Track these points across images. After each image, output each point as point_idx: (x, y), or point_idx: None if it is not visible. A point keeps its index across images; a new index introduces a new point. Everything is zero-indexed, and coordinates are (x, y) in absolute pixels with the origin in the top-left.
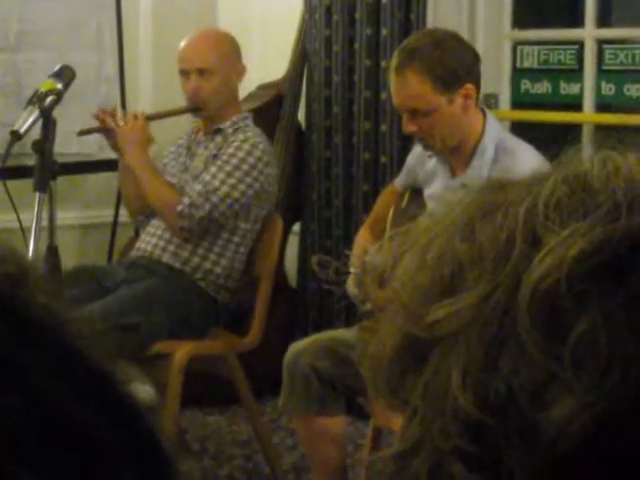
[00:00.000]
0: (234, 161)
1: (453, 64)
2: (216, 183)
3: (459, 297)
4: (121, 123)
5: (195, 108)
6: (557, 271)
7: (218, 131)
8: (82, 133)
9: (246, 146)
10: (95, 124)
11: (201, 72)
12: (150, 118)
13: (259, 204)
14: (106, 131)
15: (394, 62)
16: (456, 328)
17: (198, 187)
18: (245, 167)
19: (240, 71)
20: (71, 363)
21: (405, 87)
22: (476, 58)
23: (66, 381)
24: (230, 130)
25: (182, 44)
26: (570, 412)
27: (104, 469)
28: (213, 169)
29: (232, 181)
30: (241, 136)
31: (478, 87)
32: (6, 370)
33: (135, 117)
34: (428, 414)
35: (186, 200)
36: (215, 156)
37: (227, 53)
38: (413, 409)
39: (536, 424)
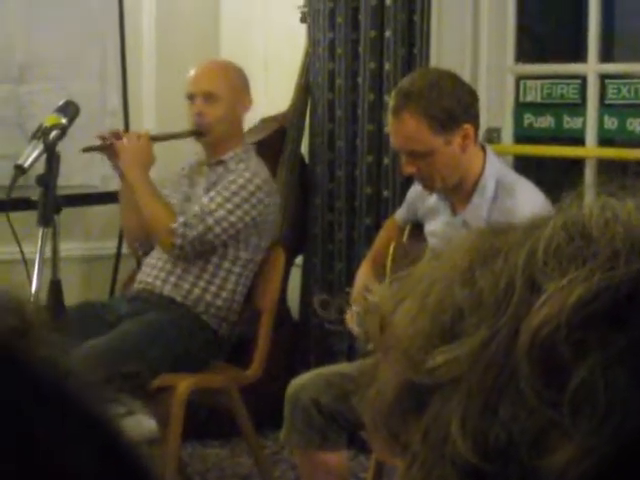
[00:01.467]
0: (233, 187)
1: (450, 105)
2: (212, 206)
3: (459, 343)
4: (124, 142)
5: (198, 132)
6: (556, 318)
7: (220, 162)
8: (86, 150)
9: (247, 174)
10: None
11: (207, 96)
12: (154, 139)
13: (259, 233)
14: (109, 150)
15: (391, 104)
16: (456, 374)
17: (195, 208)
18: (244, 194)
19: (246, 104)
20: (71, 414)
21: (402, 129)
22: (474, 97)
23: (65, 431)
24: (232, 162)
25: (192, 70)
26: (570, 459)
27: None
28: (212, 193)
29: (229, 206)
30: (242, 165)
31: (477, 126)
32: (6, 419)
33: (138, 137)
34: (428, 460)
35: (181, 219)
36: (215, 183)
37: (235, 83)
38: (413, 454)
39: (536, 471)
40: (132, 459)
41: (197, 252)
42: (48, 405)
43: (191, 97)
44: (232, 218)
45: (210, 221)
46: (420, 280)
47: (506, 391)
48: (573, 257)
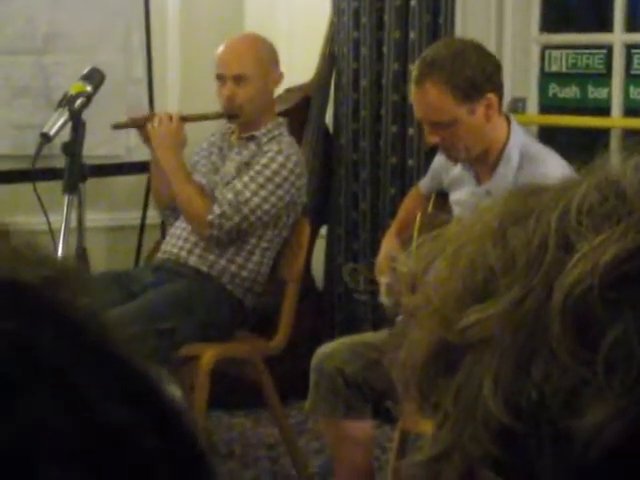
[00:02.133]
0: (267, 172)
1: (473, 74)
2: (247, 194)
3: (491, 303)
4: (155, 124)
5: (230, 115)
6: (590, 277)
7: (252, 138)
8: (116, 127)
9: (280, 158)
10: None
11: (237, 78)
12: (184, 120)
13: (288, 214)
14: (139, 126)
15: (414, 73)
16: (488, 334)
17: (229, 195)
18: (277, 179)
19: (276, 78)
20: (112, 364)
21: (425, 99)
22: (497, 67)
23: (107, 382)
24: (264, 139)
25: (220, 48)
26: (603, 418)
27: (142, 470)
28: (245, 178)
29: (263, 193)
30: (275, 147)
31: (500, 96)
32: (44, 372)
33: (170, 119)
34: (459, 420)
35: (217, 210)
36: (248, 164)
37: (264, 60)
38: (444, 414)
39: (568, 431)
40: (175, 414)
41: (231, 238)
42: (89, 355)
43: (221, 79)
44: (266, 206)
45: (245, 210)
46: (450, 241)
47: (539, 350)
48: (607, 216)
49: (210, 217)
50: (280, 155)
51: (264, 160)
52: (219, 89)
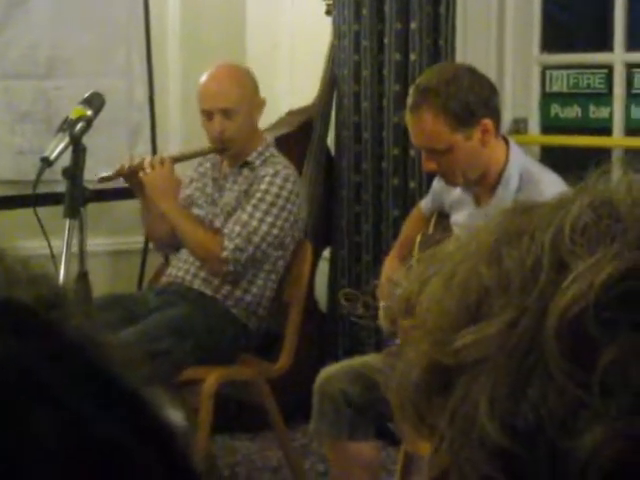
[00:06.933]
0: (269, 198)
1: (468, 100)
2: (254, 223)
3: (485, 323)
4: (148, 170)
5: (221, 149)
6: (584, 298)
7: (245, 164)
8: (103, 180)
9: (278, 181)
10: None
11: (225, 112)
12: (177, 160)
13: (292, 234)
14: (126, 176)
15: (409, 101)
16: (482, 355)
17: (237, 228)
18: (280, 202)
19: (260, 105)
20: (105, 385)
21: (421, 126)
22: (492, 90)
23: (100, 403)
24: (258, 162)
25: (202, 82)
26: (600, 440)
27: None
28: (249, 208)
29: (270, 219)
30: (271, 170)
31: (496, 120)
32: (40, 393)
33: (161, 163)
34: (455, 442)
35: (229, 245)
36: (246, 192)
37: (248, 89)
38: (440, 436)
39: (566, 452)
40: (169, 438)
41: (247, 270)
42: (81, 374)
43: (207, 113)
44: (275, 231)
45: (256, 239)
46: (445, 260)
47: (534, 372)
48: (601, 235)
49: (225, 254)
50: (277, 177)
51: (263, 186)
52: (205, 124)
